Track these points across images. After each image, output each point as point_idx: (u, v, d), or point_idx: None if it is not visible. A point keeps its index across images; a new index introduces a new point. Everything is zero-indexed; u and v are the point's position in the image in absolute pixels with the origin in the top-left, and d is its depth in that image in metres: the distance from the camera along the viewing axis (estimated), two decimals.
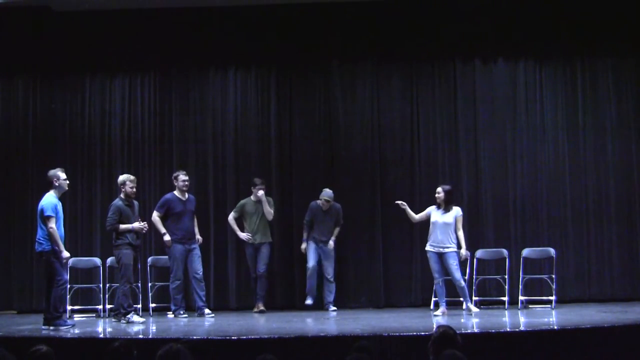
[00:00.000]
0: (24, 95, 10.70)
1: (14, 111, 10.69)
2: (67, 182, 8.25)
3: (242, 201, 9.87)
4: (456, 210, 8.99)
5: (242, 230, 9.78)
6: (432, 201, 9.23)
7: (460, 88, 10.42)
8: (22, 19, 10.23)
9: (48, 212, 7.88)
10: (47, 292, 8.02)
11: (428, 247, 8.97)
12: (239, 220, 9.83)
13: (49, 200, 7.97)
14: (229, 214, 9.92)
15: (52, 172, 8.19)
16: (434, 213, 9.01)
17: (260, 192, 9.64)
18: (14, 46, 10.40)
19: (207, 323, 8.70)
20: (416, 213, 9.21)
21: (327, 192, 9.74)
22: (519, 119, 10.35)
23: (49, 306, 7.93)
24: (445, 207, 8.95)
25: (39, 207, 8.00)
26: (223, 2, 10.33)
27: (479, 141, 10.32)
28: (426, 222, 9.11)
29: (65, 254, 7.96)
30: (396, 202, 9.25)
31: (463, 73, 10.45)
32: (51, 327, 7.82)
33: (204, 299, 9.36)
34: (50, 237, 7.87)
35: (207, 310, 9.29)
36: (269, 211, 9.72)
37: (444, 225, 8.88)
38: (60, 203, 8.11)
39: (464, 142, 10.34)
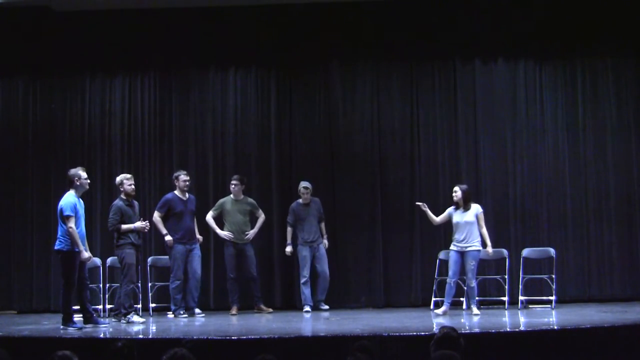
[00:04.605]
0: (24, 95, 10.69)
1: (14, 111, 10.69)
2: (88, 181, 8.22)
3: (222, 200, 9.79)
4: (476, 208, 8.95)
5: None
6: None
7: (460, 88, 10.42)
8: (22, 19, 10.23)
9: (67, 212, 7.83)
10: (63, 291, 8.02)
11: (452, 247, 8.92)
12: (219, 220, 9.74)
13: (68, 199, 7.92)
14: None
15: (72, 171, 8.14)
16: (454, 214, 8.95)
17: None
18: (14, 46, 10.41)
19: (207, 323, 8.70)
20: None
21: (304, 182, 9.74)
22: (519, 119, 10.35)
23: (63, 306, 7.96)
24: (465, 206, 8.91)
25: (59, 206, 7.95)
26: (223, 2, 10.34)
27: (479, 141, 10.32)
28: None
29: (85, 254, 7.92)
30: (417, 203, 9.22)
31: (463, 73, 10.44)
32: (61, 327, 7.85)
33: (196, 299, 9.39)
34: (69, 237, 7.85)
35: (197, 310, 9.33)
36: (260, 214, 9.80)
37: (466, 224, 8.84)
38: (80, 202, 8.06)
39: (464, 142, 10.34)
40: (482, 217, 8.94)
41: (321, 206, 9.84)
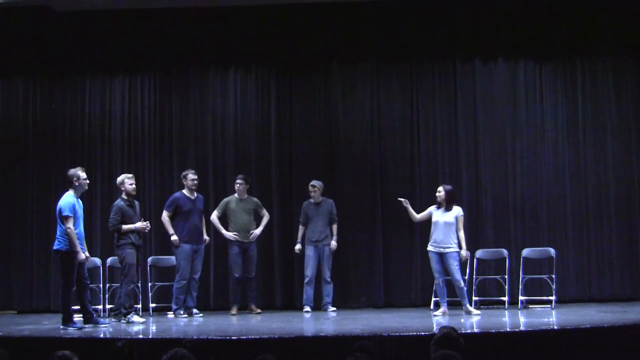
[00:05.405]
0: (24, 95, 10.70)
1: (14, 111, 10.70)
2: (87, 181, 8.22)
3: (226, 199, 9.80)
4: (457, 210, 8.98)
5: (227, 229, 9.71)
6: (433, 201, 9.23)
7: (460, 88, 10.42)
8: (22, 19, 10.23)
9: (66, 212, 7.83)
10: (62, 291, 8.02)
11: (429, 247, 8.97)
12: (223, 219, 9.76)
13: (67, 200, 7.92)
14: None
15: (72, 171, 8.14)
16: (435, 213, 9.00)
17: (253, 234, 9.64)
18: (14, 46, 10.41)
19: (207, 323, 8.69)
20: (416, 213, 9.20)
21: (313, 181, 9.73)
22: (519, 119, 10.35)
23: (63, 306, 7.96)
24: (447, 206, 8.94)
25: (57, 207, 7.95)
26: (223, 2, 10.33)
27: (479, 141, 10.32)
28: (427, 222, 9.11)
29: (82, 255, 7.90)
30: (398, 198, 9.25)
31: (463, 73, 10.45)
32: (61, 327, 7.85)
33: (195, 300, 9.41)
34: (67, 237, 7.85)
35: (195, 310, 9.34)
36: (265, 214, 9.81)
37: (445, 225, 8.87)
38: (79, 202, 8.07)
39: (464, 142, 10.34)
40: (461, 220, 8.96)
41: (334, 207, 9.81)
